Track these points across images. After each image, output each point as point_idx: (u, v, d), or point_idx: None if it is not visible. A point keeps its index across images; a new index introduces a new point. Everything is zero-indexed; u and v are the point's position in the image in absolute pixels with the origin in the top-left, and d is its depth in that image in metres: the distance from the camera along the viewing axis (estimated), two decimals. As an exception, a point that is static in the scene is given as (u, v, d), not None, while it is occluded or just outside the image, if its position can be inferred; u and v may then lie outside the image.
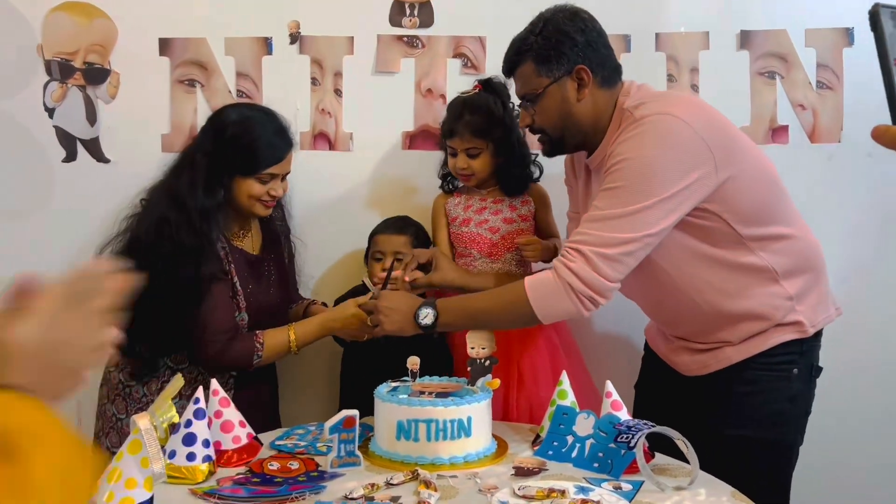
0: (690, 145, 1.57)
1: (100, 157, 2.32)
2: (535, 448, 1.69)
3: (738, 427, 1.70)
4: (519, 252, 2.08)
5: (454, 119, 2.04)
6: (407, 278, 1.90)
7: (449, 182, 2.18)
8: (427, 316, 1.73)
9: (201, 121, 2.29)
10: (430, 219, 2.19)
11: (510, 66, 1.78)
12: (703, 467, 1.50)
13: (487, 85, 2.07)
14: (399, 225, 2.13)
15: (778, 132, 2.28)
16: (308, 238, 2.21)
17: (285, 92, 2.29)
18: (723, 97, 2.23)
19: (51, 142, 2.30)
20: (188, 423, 1.52)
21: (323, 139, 2.31)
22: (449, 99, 2.28)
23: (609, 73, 1.73)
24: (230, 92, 2.30)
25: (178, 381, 1.48)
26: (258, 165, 1.87)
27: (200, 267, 1.82)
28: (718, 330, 1.72)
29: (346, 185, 2.33)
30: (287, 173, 1.95)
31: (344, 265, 2.34)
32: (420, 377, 1.77)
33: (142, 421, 1.35)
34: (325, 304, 2.17)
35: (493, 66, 2.25)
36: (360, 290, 2.13)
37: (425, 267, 1.99)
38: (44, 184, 2.32)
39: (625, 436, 1.54)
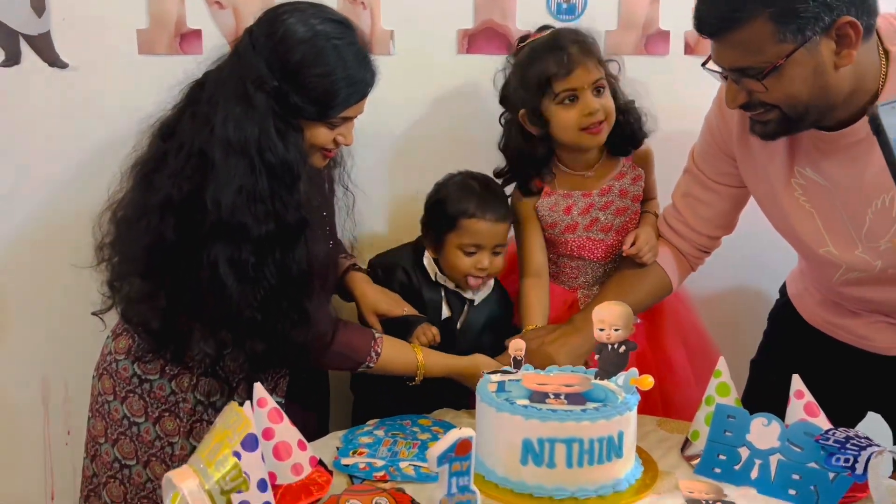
0: None
1: (53, 59, 1.72)
2: (693, 462, 1.27)
3: None
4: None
5: (559, 48, 1.50)
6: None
7: (526, 180, 1.64)
8: None
9: (192, 13, 1.73)
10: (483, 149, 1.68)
11: (722, 26, 1.18)
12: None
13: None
14: (499, 208, 1.54)
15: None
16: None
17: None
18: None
19: (-17, 38, 1.70)
20: (236, 457, 1.04)
21: (354, 39, 1.76)
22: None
23: (874, 16, 1.19)
24: (230, -29, 1.72)
25: (232, 413, 0.99)
26: (334, 108, 1.32)
27: (309, 247, 1.32)
28: None
29: (386, 100, 1.78)
30: (361, 113, 1.41)
31: (382, 210, 1.84)
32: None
33: (186, 483, 0.87)
34: (365, 270, 1.63)
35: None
36: (410, 254, 1.62)
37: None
38: (-24, 95, 1.73)
39: (841, 457, 1.13)
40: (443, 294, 1.59)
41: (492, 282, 1.61)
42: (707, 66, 1.27)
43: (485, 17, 1.77)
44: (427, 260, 1.59)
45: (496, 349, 1.54)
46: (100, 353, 1.51)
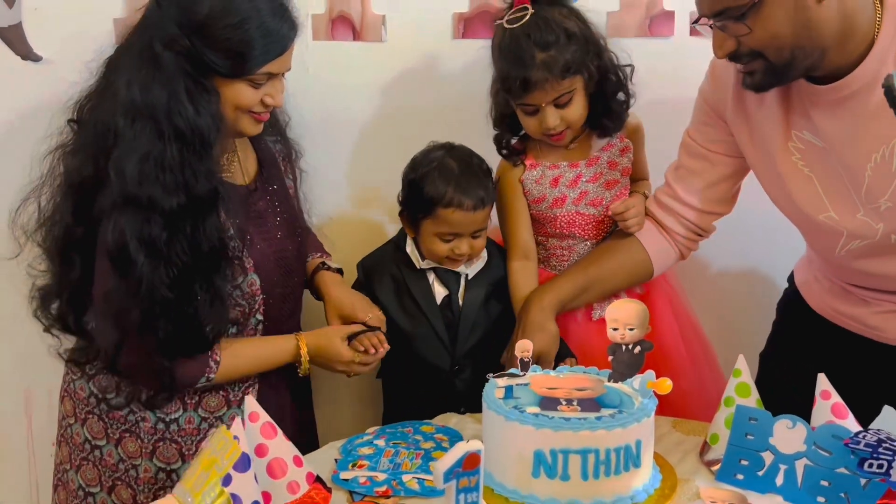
0: None
1: (25, 52, 1.64)
2: (713, 468, 1.20)
3: None
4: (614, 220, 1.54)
5: (521, 65, 1.40)
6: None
7: (509, 146, 1.56)
8: None
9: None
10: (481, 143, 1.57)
11: None
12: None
13: None
14: (477, 191, 1.45)
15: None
16: (322, 166, 1.61)
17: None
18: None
19: (-50, 30, 1.62)
20: (226, 481, 0.97)
21: (344, 24, 1.68)
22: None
23: None
24: (209, -44, 1.63)
25: (220, 438, 0.91)
26: (251, 62, 1.24)
27: (221, 223, 1.25)
28: None
29: (377, 88, 1.72)
30: (287, 70, 1.32)
31: (370, 210, 1.75)
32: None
33: (170, 515, 0.79)
34: (338, 271, 1.56)
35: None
36: (392, 250, 1.54)
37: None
38: (-55, 91, 1.65)
39: (874, 462, 1.07)
40: (433, 277, 1.51)
41: (484, 253, 1.53)
42: (699, 23, 1.22)
43: (480, 1, 1.69)
44: (410, 247, 1.52)
45: (506, 317, 1.51)
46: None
